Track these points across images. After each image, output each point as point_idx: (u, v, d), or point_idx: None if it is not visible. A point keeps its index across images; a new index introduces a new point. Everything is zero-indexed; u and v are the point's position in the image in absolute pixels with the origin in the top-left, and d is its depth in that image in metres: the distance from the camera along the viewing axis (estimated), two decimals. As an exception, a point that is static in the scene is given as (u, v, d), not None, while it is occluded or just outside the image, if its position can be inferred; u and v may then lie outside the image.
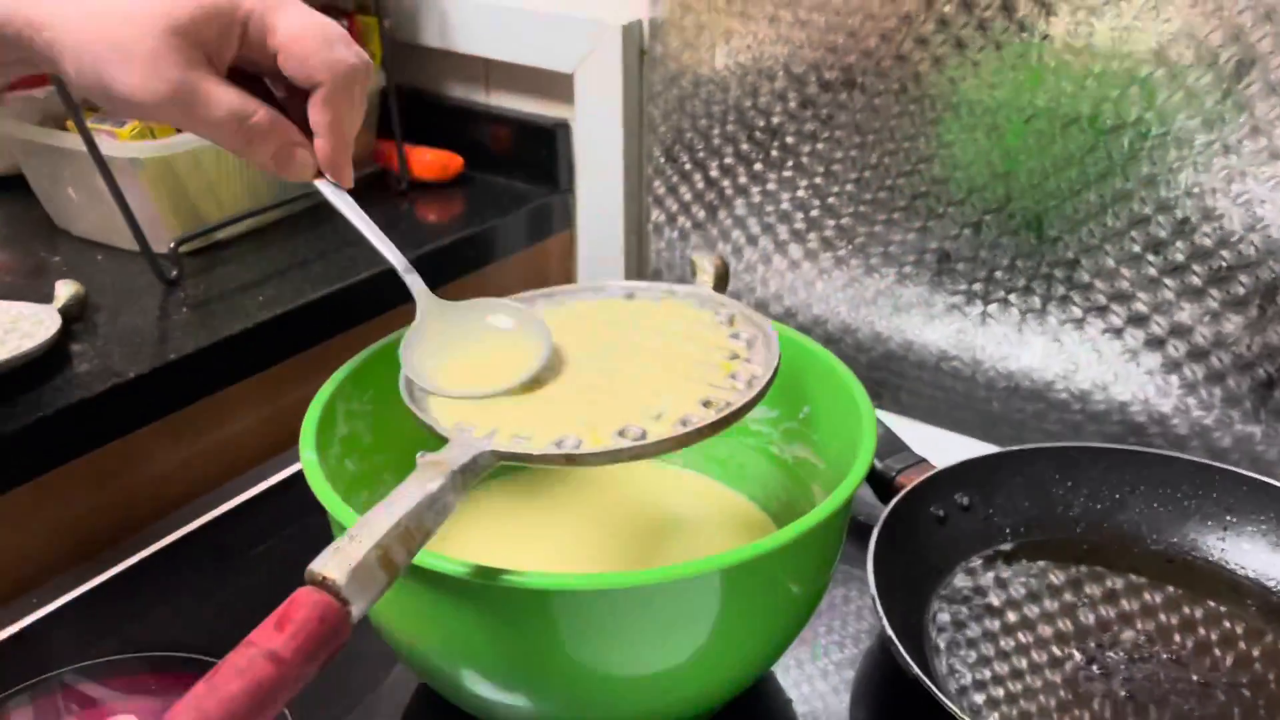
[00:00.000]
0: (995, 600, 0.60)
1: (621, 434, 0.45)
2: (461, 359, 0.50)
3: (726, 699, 0.52)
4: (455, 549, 0.57)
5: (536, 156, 0.96)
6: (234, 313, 0.76)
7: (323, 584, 0.35)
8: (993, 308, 0.78)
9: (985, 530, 0.64)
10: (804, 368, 0.58)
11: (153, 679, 0.57)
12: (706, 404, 0.47)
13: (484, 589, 0.43)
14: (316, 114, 0.46)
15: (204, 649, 0.57)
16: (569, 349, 0.51)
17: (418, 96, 1.00)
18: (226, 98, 0.44)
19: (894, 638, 0.51)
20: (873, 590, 0.54)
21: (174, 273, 0.80)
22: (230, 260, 0.84)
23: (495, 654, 0.45)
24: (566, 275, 0.98)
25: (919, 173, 0.78)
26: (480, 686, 0.47)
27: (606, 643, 0.45)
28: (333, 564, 0.35)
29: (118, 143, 0.78)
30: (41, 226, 0.88)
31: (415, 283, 0.51)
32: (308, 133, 0.48)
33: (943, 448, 0.77)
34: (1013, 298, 0.77)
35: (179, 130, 0.83)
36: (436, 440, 0.45)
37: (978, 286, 0.78)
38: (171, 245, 0.80)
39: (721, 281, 0.56)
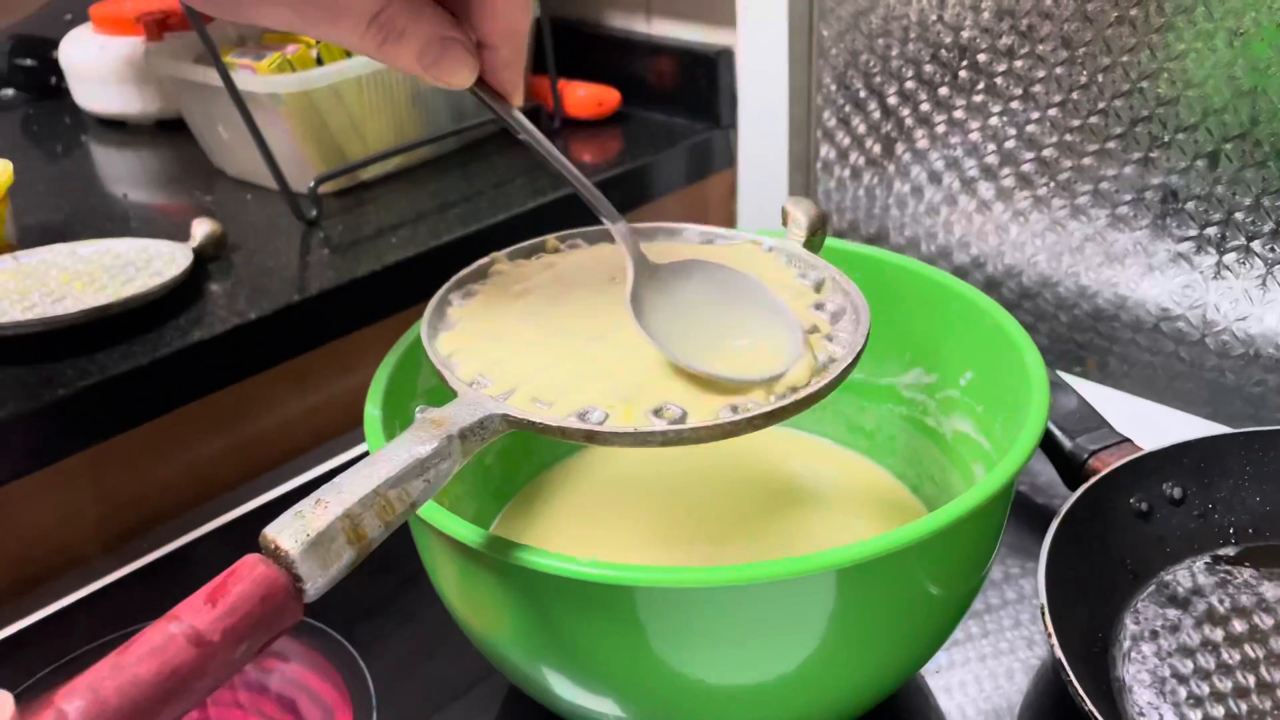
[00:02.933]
0: (1209, 621, 0.48)
1: (658, 413, 0.36)
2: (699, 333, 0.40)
3: (850, 717, 0.43)
4: (545, 517, 0.52)
5: (696, 89, 0.88)
6: (369, 254, 0.73)
7: (274, 554, 0.29)
8: (1230, 258, 0.64)
9: (1201, 530, 0.52)
10: (967, 324, 0.48)
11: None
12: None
13: (556, 581, 0.36)
14: (488, 23, 0.37)
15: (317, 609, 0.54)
16: (624, 299, 0.41)
17: (573, 28, 0.94)
18: None
19: (1065, 663, 0.41)
20: (1042, 598, 0.44)
21: (313, 212, 0.77)
22: (374, 200, 0.81)
23: (575, 653, 0.39)
24: (727, 217, 0.90)
25: (1140, 92, 0.64)
26: (564, 688, 0.41)
27: (696, 646, 0.38)
28: (289, 531, 0.30)
29: (257, 78, 0.76)
30: (201, 167, 0.88)
31: (623, 232, 0.42)
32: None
33: (1158, 426, 0.65)
34: (1256, 245, 0.63)
35: (320, 62, 0.80)
36: (449, 391, 0.38)
37: (1212, 231, 0.64)
38: (311, 184, 0.77)
39: (816, 236, 0.46)
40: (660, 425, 0.36)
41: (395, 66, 0.37)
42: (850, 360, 0.39)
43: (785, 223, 0.46)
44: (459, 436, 0.34)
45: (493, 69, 0.38)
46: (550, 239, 0.47)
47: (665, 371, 0.38)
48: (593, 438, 0.36)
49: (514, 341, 0.40)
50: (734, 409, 0.36)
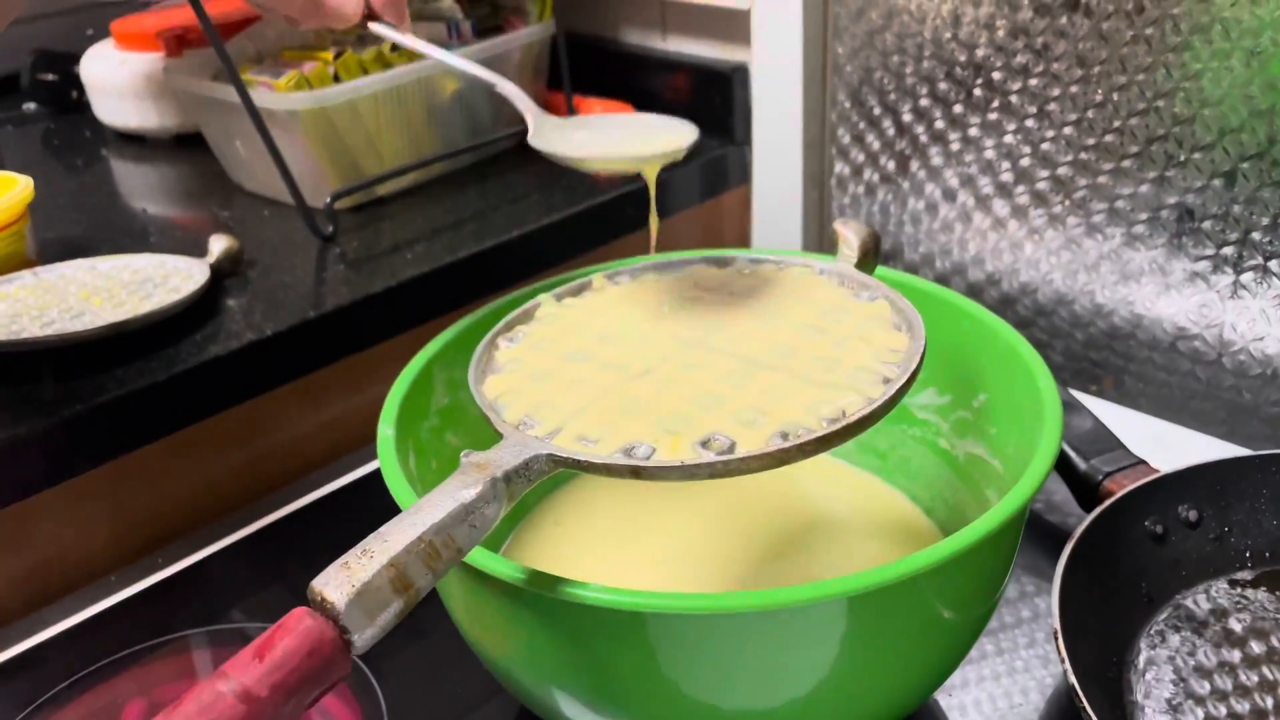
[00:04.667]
0: (1225, 645, 0.48)
1: (705, 444, 0.36)
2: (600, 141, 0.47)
3: (862, 741, 0.43)
4: (556, 536, 0.52)
5: (711, 105, 0.88)
6: (385, 269, 0.73)
7: (321, 606, 0.29)
8: (1247, 277, 0.64)
9: (1217, 553, 0.51)
10: (980, 346, 0.48)
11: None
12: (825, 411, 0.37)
13: (567, 606, 0.36)
14: None
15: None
16: (672, 330, 0.42)
17: (589, 44, 0.94)
18: None
19: (1078, 688, 0.41)
20: (1055, 623, 0.44)
21: (329, 228, 0.78)
22: (390, 216, 0.82)
23: (586, 676, 0.39)
24: (742, 233, 0.90)
25: (1156, 111, 0.64)
26: (574, 711, 0.41)
27: (707, 671, 0.38)
28: (334, 583, 0.29)
29: (275, 95, 0.77)
30: (218, 182, 0.89)
31: (511, 90, 0.49)
32: None
33: (1175, 446, 0.64)
34: (1274, 265, 0.62)
35: (337, 79, 0.80)
36: (463, 411, 0.38)
37: (1229, 250, 0.64)
38: (327, 200, 0.78)
39: (869, 257, 0.46)
40: (709, 457, 0.35)
41: (288, 14, 0.41)
42: (905, 379, 0.38)
43: (837, 244, 0.46)
44: (503, 479, 0.34)
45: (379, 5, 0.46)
46: (596, 276, 0.47)
47: (712, 402, 0.38)
48: (639, 473, 0.35)
49: (561, 380, 0.40)
50: (784, 436, 0.36)
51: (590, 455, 0.36)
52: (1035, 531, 0.57)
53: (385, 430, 0.44)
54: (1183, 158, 0.64)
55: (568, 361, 0.42)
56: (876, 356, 0.39)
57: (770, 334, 0.41)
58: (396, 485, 0.40)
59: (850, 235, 0.45)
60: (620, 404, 0.38)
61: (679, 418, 0.37)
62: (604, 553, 0.51)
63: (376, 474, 0.67)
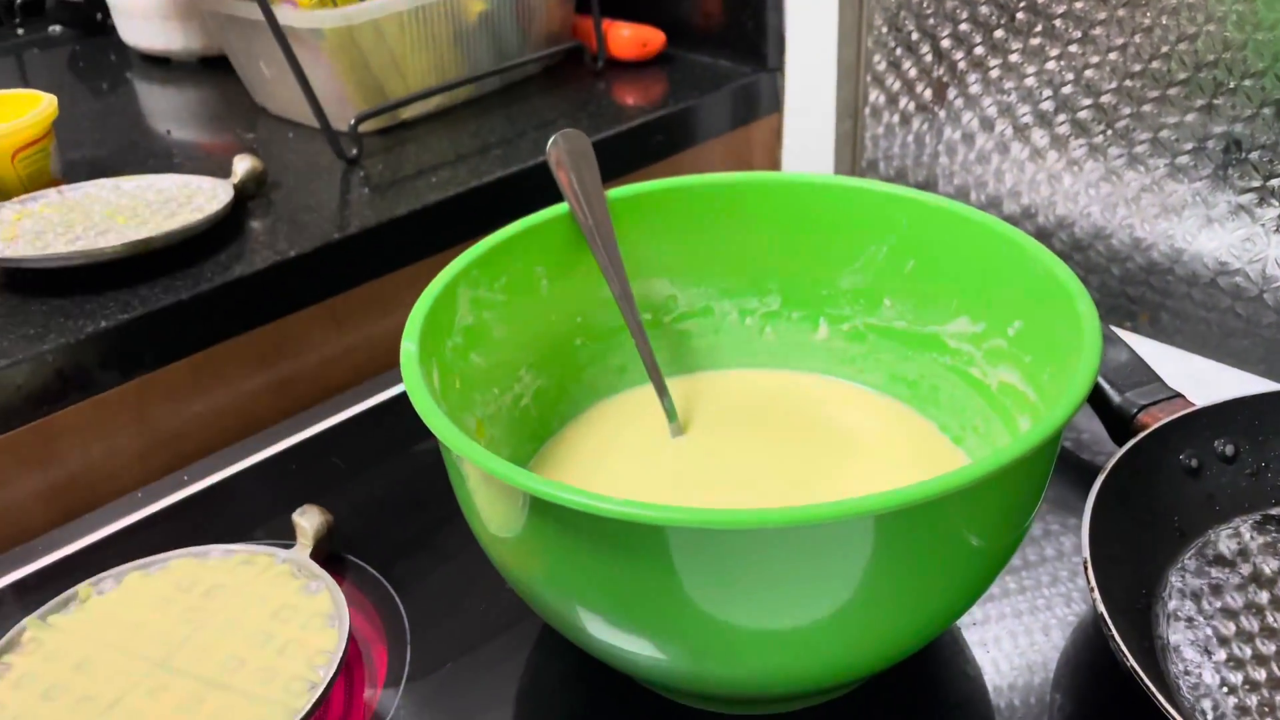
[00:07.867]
0: (1259, 582, 0.47)
1: None
2: None
3: (884, 666, 0.43)
4: (580, 461, 0.52)
5: (743, 30, 0.86)
6: (409, 193, 0.72)
7: None
8: (1294, 210, 0.62)
9: (1254, 488, 0.50)
10: (1016, 272, 0.46)
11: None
12: None
13: (589, 520, 0.35)
14: None
15: (355, 547, 0.54)
16: (144, 649, 0.45)
17: (620, -35, 0.92)
18: None
19: (1107, 618, 0.40)
20: (1085, 553, 0.43)
21: (354, 151, 0.77)
22: (414, 140, 0.81)
23: (608, 594, 0.39)
24: (772, 163, 0.88)
25: (1205, 35, 0.62)
26: (598, 629, 0.41)
27: (730, 589, 0.37)
28: None
29: (299, 12, 0.75)
30: (243, 105, 0.88)
31: None
32: None
33: (1210, 382, 0.63)
34: (1323, 197, 0.61)
35: None
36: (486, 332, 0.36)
37: (1276, 182, 0.62)
38: (352, 122, 0.77)
39: (322, 544, 0.51)
40: None
41: None
42: (323, 688, 0.42)
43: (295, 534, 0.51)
44: None
45: None
46: (83, 587, 0.48)
47: None
48: None
49: None
50: None
51: None
52: (1063, 469, 0.56)
53: (408, 345, 0.43)
54: (1232, 85, 0.62)
55: (45, 701, 0.42)
56: (309, 662, 0.44)
57: (224, 645, 0.45)
58: (420, 400, 0.40)
59: (305, 525, 0.51)
60: None
61: None
62: (631, 474, 0.51)
63: (400, 398, 0.68)
